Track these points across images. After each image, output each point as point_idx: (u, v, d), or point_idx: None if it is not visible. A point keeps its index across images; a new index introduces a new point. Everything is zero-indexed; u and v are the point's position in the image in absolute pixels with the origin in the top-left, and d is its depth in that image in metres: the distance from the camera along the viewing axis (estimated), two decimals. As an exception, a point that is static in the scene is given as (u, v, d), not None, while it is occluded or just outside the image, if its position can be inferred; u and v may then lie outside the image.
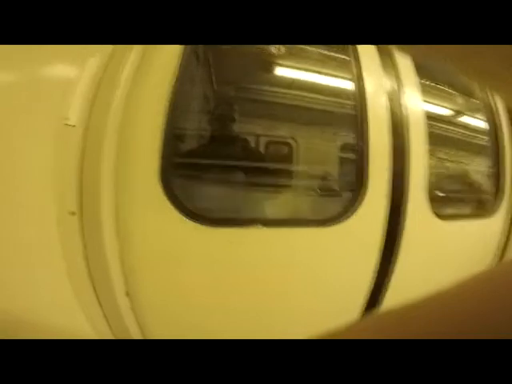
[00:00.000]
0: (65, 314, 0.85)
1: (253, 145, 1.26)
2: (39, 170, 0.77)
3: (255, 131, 1.26)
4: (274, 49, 1.13)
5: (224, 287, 1.09)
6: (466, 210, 1.51)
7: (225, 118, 1.18)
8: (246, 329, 1.11)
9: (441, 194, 1.36)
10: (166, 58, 0.99)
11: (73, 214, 0.88)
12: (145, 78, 0.95)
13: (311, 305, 1.17)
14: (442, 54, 0.14)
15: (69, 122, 0.81)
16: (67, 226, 0.86)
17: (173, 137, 1.07)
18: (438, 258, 1.31)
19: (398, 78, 1.28)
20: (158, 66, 0.98)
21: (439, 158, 1.41)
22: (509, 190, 1.51)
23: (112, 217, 0.96)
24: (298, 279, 1.16)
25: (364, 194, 1.20)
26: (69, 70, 0.78)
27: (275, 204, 1.25)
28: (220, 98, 1.22)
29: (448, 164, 1.48)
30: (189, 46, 0.98)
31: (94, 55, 0.83)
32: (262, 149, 1.29)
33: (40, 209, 0.78)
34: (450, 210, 1.42)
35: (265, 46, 1.12)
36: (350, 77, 1.26)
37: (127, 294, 0.99)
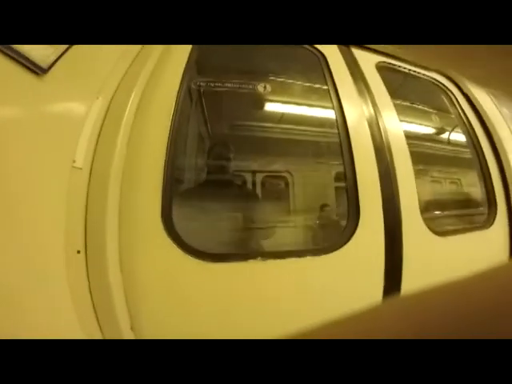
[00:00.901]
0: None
1: (249, 181, 1.33)
2: (50, 210, 0.80)
3: (251, 168, 1.34)
4: (261, 88, 1.26)
5: (228, 321, 1.06)
6: (463, 224, 1.53)
7: (220, 157, 1.27)
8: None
9: (435, 211, 1.40)
10: (163, 99, 1.11)
11: (78, 252, 0.90)
12: (144, 120, 1.05)
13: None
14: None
15: (75, 165, 0.87)
16: (74, 263, 0.87)
17: (173, 178, 1.13)
18: (442, 273, 1.30)
19: (373, 103, 1.40)
20: (155, 108, 1.08)
21: (427, 174, 1.48)
22: (502, 197, 1.55)
23: (116, 255, 0.99)
24: (305, 307, 1.14)
25: (358, 219, 1.24)
26: (76, 109, 0.85)
27: (274, 237, 1.28)
28: (214, 137, 1.32)
29: (437, 179, 1.54)
30: (183, 88, 1.11)
31: (98, 96, 0.92)
32: (258, 184, 1.36)
33: (50, 247, 0.79)
34: (446, 226, 1.44)
35: (251, 86, 1.25)
36: (331, 107, 1.36)
37: (132, 328, 0.98)
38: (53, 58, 0.72)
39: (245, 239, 1.25)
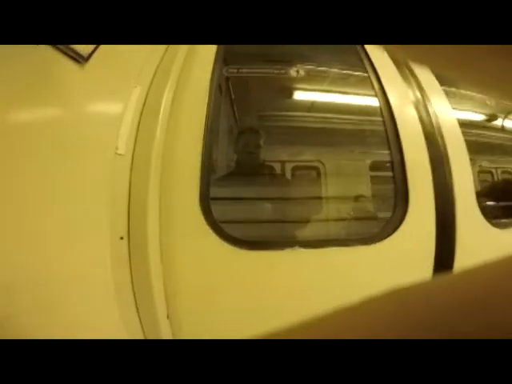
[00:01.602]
0: (108, 333, 0.86)
1: (284, 172, 1.30)
2: (95, 197, 0.84)
3: (295, 157, 1.30)
4: (293, 72, 1.21)
5: (264, 311, 1.05)
6: None
7: (253, 145, 1.25)
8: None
9: (492, 202, 1.26)
10: (198, 86, 1.11)
11: (122, 238, 0.93)
12: (181, 107, 1.06)
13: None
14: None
15: (118, 152, 0.90)
16: (117, 250, 0.90)
17: (210, 164, 1.14)
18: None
19: (420, 87, 1.29)
20: (191, 95, 1.09)
21: (482, 163, 1.34)
22: None
23: (157, 242, 1.01)
24: (342, 299, 1.09)
25: (406, 209, 1.15)
26: (116, 98, 0.89)
27: (314, 225, 1.24)
28: (245, 127, 1.30)
29: (494, 169, 1.39)
30: (216, 74, 1.10)
31: (136, 85, 0.94)
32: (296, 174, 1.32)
33: (96, 233, 0.83)
34: (504, 217, 1.30)
35: (284, 72, 1.21)
36: (372, 93, 1.29)
37: (168, 316, 1.00)
38: (92, 46, 0.74)
39: (282, 227, 1.22)
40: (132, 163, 0.97)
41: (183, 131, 1.07)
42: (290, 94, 1.33)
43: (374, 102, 1.29)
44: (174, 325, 1.01)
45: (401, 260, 1.13)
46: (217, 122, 1.16)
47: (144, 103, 0.97)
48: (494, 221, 1.21)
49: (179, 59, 1.11)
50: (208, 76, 1.14)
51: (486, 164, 1.40)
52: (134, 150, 0.97)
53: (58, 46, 0.66)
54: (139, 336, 0.96)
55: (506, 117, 1.54)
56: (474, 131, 1.44)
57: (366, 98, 1.33)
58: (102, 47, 0.79)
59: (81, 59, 0.73)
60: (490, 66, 0.13)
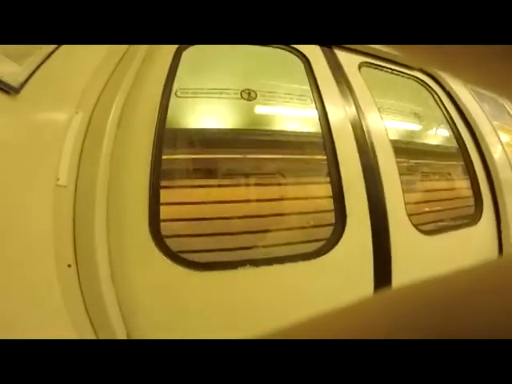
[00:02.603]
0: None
1: (238, 183, 1.31)
2: (37, 229, 0.80)
3: (239, 170, 1.31)
4: (245, 95, 1.24)
5: (221, 328, 1.07)
6: (450, 222, 1.55)
7: (205, 163, 1.25)
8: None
9: (421, 210, 1.41)
10: (146, 110, 1.09)
11: (69, 266, 0.90)
12: (127, 132, 1.03)
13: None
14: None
15: (59, 183, 0.86)
16: (65, 276, 0.88)
17: (159, 188, 1.12)
18: (431, 272, 1.32)
19: (356, 104, 1.40)
20: (138, 119, 1.07)
21: (412, 172, 1.49)
22: (487, 193, 1.58)
23: (107, 267, 1.00)
24: (296, 312, 1.15)
25: (345, 221, 1.24)
26: (55, 126, 0.84)
27: (264, 241, 1.27)
28: (199, 144, 1.29)
29: (422, 177, 1.55)
30: (166, 96, 1.09)
31: (78, 111, 0.90)
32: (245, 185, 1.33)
33: (41, 262, 0.79)
34: (432, 224, 1.46)
35: (235, 93, 1.23)
36: (314, 109, 1.36)
37: (128, 336, 1.00)
38: (24, 75, 0.69)
39: (235, 245, 1.24)
40: (76, 193, 0.93)
41: (129, 156, 1.04)
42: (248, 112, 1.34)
43: (315, 117, 1.36)
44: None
45: (342, 272, 1.21)
46: (167, 144, 1.14)
47: (87, 129, 0.93)
48: (423, 228, 1.36)
49: (126, 83, 1.07)
50: (158, 98, 1.12)
51: (418, 171, 1.56)
52: (76, 179, 0.92)
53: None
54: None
55: (436, 128, 1.73)
56: (405, 141, 1.59)
57: (309, 113, 1.40)
58: (36, 77, 0.74)
59: (12, 91, 0.69)
60: (495, 67, 0.13)
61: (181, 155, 1.27)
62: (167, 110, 1.12)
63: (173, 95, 1.16)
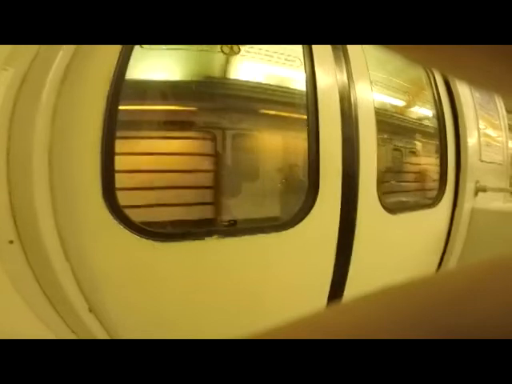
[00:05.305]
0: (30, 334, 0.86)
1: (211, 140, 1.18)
2: None
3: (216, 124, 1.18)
4: (226, 49, 1.06)
5: (190, 300, 1.08)
6: (414, 202, 1.60)
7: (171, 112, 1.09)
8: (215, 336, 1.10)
9: (389, 188, 1.42)
10: (100, 65, 0.89)
11: (11, 242, 0.84)
12: (73, 88, 0.84)
13: (277, 306, 1.17)
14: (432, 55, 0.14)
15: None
16: (8, 253, 0.84)
17: (113, 148, 0.97)
18: (391, 250, 1.39)
19: (349, 71, 1.29)
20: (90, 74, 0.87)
21: (387, 150, 1.47)
22: (452, 178, 1.62)
23: (55, 240, 0.91)
24: (261, 284, 1.17)
25: (317, 192, 1.21)
26: None
27: (230, 213, 1.21)
28: (169, 98, 1.12)
29: (395, 157, 1.54)
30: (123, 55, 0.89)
31: (6, 69, 0.71)
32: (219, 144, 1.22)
33: None
34: (398, 203, 1.49)
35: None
36: (303, 70, 1.23)
37: (90, 310, 0.98)
38: None
39: (202, 214, 1.17)
40: (8, 159, 0.77)
41: (77, 115, 0.87)
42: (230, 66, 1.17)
43: (303, 79, 1.23)
44: (102, 316, 0.99)
45: (308, 246, 1.22)
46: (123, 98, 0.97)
47: (19, 88, 0.73)
48: (389, 207, 1.37)
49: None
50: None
51: (394, 146, 1.53)
52: (8, 143, 0.76)
53: None
54: (67, 332, 0.97)
55: (421, 105, 1.67)
56: (390, 115, 1.52)
57: (297, 73, 1.25)
58: None
59: None
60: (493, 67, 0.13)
61: (141, 106, 1.10)
62: (128, 60, 0.92)
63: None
